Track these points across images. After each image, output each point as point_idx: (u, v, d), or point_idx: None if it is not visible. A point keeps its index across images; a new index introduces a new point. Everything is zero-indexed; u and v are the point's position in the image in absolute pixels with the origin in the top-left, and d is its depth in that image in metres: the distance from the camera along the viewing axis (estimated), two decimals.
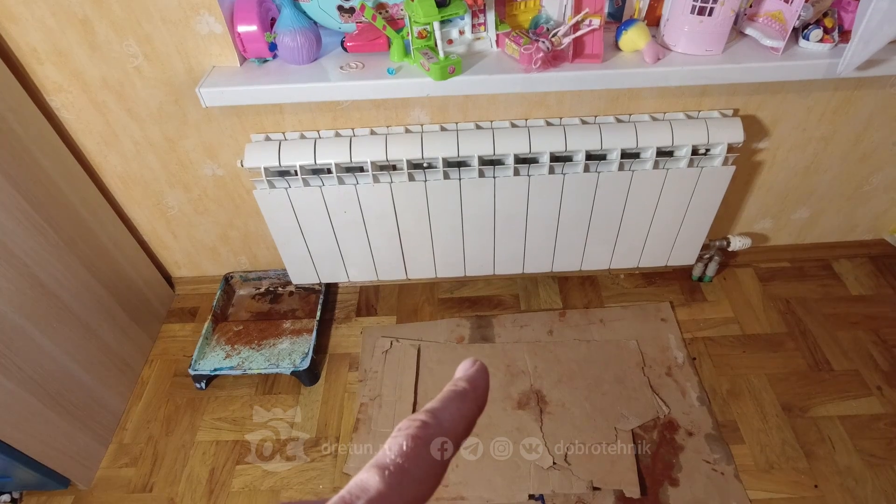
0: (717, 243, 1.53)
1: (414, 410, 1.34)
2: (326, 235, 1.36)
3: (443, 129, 1.24)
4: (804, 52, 1.08)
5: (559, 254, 1.45)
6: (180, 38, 1.09)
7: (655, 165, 1.25)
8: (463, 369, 0.24)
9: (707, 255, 1.56)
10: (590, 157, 1.23)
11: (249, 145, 1.22)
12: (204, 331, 1.47)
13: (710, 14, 1.01)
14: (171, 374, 1.49)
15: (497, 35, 1.11)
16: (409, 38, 1.07)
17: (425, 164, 1.25)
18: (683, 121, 1.21)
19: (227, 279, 1.61)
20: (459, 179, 1.25)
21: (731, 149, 1.23)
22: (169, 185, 1.39)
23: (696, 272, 1.61)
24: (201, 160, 1.33)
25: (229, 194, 1.42)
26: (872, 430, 1.28)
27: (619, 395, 1.35)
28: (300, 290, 1.63)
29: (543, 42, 1.03)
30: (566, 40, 1.05)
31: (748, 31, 1.09)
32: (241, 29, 1.08)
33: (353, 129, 1.25)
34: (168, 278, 1.67)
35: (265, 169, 1.21)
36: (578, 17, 1.03)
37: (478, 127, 1.24)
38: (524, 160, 1.24)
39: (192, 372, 1.40)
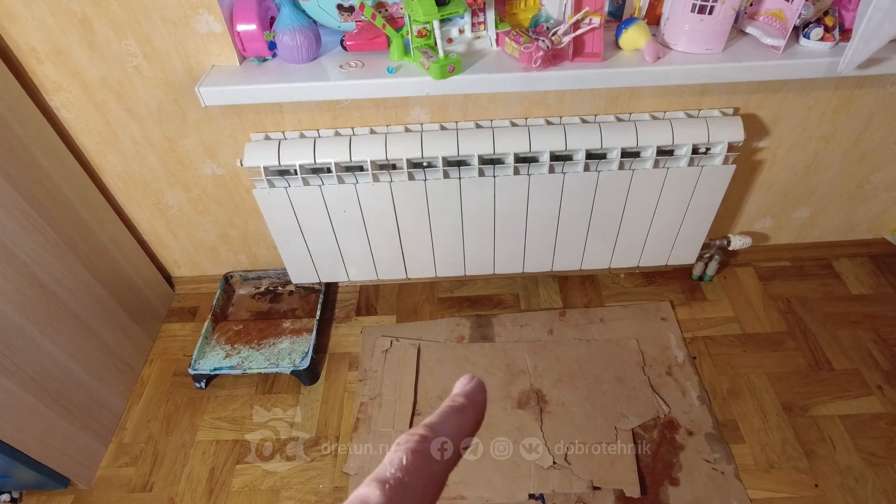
0: (718, 242, 1.53)
1: (414, 410, 1.34)
2: (326, 235, 1.36)
3: (442, 128, 1.24)
4: (805, 51, 1.08)
5: (559, 253, 1.45)
6: (180, 37, 1.09)
7: (656, 164, 1.25)
8: (461, 385, 0.24)
9: (707, 255, 1.56)
10: (590, 156, 1.23)
11: (249, 144, 1.22)
12: (204, 330, 1.47)
13: (710, 13, 1.01)
14: (170, 373, 1.49)
15: (497, 34, 1.11)
16: (409, 36, 1.07)
17: (425, 164, 1.25)
18: (684, 120, 1.21)
19: (226, 279, 1.61)
20: (459, 178, 1.25)
21: (731, 148, 1.22)
22: (169, 185, 1.39)
23: (697, 271, 1.61)
24: (201, 159, 1.33)
25: (229, 194, 1.42)
26: (873, 429, 1.27)
27: (620, 395, 1.35)
28: (300, 289, 1.63)
29: (543, 41, 1.03)
30: (566, 39, 1.05)
31: (749, 29, 1.09)
32: (241, 28, 1.08)
33: (352, 128, 1.25)
34: (168, 278, 1.67)
35: (265, 168, 1.21)
36: (578, 16, 1.03)
37: (478, 126, 1.24)
38: (524, 159, 1.24)
39: (191, 371, 1.40)
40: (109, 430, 1.36)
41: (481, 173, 1.24)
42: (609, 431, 1.28)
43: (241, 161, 1.22)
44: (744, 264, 1.66)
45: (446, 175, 1.25)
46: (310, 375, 1.42)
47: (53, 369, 1.18)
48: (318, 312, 1.51)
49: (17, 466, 1.12)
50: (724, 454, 1.24)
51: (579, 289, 1.63)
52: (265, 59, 1.13)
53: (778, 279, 1.62)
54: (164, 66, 1.14)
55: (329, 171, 1.23)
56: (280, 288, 1.64)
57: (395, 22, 1.09)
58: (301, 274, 1.48)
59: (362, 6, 1.03)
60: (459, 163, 1.24)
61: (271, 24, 1.11)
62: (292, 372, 1.40)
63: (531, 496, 1.19)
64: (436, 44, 1.04)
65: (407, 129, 1.24)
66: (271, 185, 1.25)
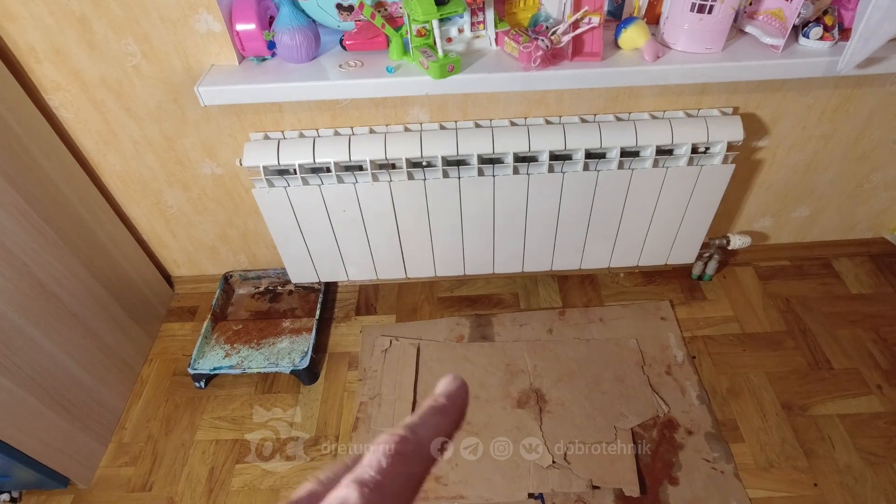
0: (717, 242, 1.53)
1: (413, 409, 1.34)
2: (325, 234, 1.36)
3: (442, 127, 1.24)
4: (804, 50, 1.08)
5: (559, 252, 1.45)
6: (179, 36, 1.09)
7: (655, 164, 1.25)
8: (444, 385, 0.24)
9: (707, 254, 1.56)
10: (589, 155, 1.23)
11: (248, 144, 1.22)
12: (203, 330, 1.47)
13: (709, 12, 1.01)
14: (170, 373, 1.49)
15: (496, 33, 1.11)
16: (408, 36, 1.07)
17: (424, 163, 1.25)
18: (683, 119, 1.21)
19: (226, 278, 1.61)
20: (459, 178, 1.25)
21: (730, 147, 1.22)
22: (168, 184, 1.39)
23: (696, 271, 1.61)
24: (200, 159, 1.33)
25: (228, 193, 1.42)
26: (872, 428, 1.27)
27: (619, 394, 1.35)
28: (299, 289, 1.63)
29: (543, 40, 1.03)
30: (565, 38, 1.05)
31: (748, 28, 1.09)
32: (240, 27, 1.08)
33: (352, 127, 1.25)
34: (167, 277, 1.67)
35: (264, 168, 1.21)
36: (578, 16, 1.03)
37: (477, 125, 1.24)
38: (523, 159, 1.24)
39: (191, 371, 1.40)
40: (109, 430, 1.36)
41: (481, 173, 1.24)
42: (608, 431, 1.28)
43: (240, 161, 1.22)
44: (743, 264, 1.66)
45: (446, 174, 1.25)
46: (309, 375, 1.42)
47: (53, 369, 1.18)
48: (318, 312, 1.51)
49: (16, 466, 1.12)
50: (723, 453, 1.25)
51: (579, 288, 1.63)
52: (264, 59, 1.13)
53: (777, 278, 1.62)
54: (163, 65, 1.14)
55: (328, 170, 1.23)
56: (279, 287, 1.64)
57: (394, 21, 1.09)
58: (300, 273, 1.48)
59: (361, 5, 1.03)
60: (459, 162, 1.24)
61: (270, 23, 1.10)
62: (292, 371, 1.40)
63: (531, 495, 1.19)
64: (435, 43, 1.04)
65: (406, 129, 1.24)
66: (270, 184, 1.25)
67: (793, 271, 1.64)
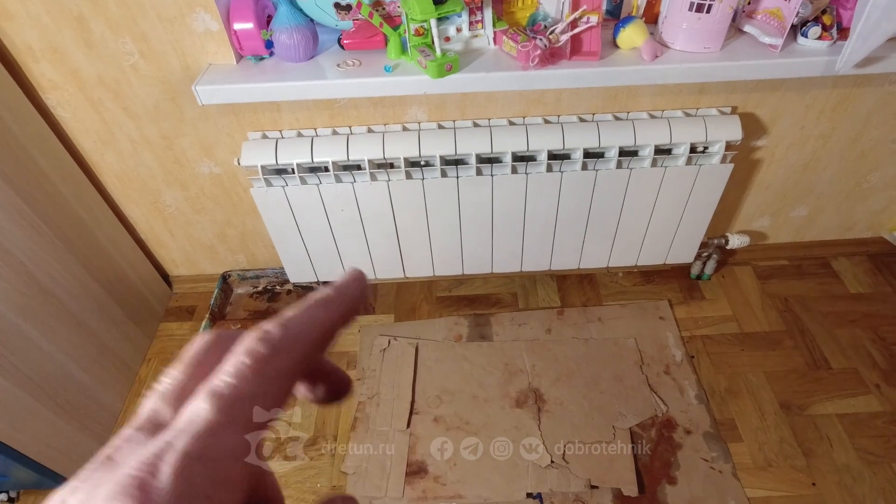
0: (716, 241, 1.53)
1: (412, 409, 1.34)
2: (324, 234, 1.36)
3: (440, 126, 1.24)
4: (802, 50, 1.08)
5: (557, 252, 1.45)
6: (176, 35, 1.09)
7: (653, 163, 1.25)
8: (338, 277, 0.21)
9: (705, 254, 1.56)
10: (588, 154, 1.23)
11: (246, 143, 1.22)
12: (202, 329, 1.47)
13: (708, 11, 1.01)
14: None
15: (494, 32, 1.11)
16: (406, 35, 1.07)
17: (423, 163, 1.25)
18: (681, 118, 1.21)
19: (224, 278, 1.60)
20: (457, 177, 1.25)
21: (729, 146, 1.22)
22: (166, 184, 1.39)
23: (695, 270, 1.61)
24: (198, 158, 1.33)
25: (226, 192, 1.42)
26: (870, 427, 1.27)
27: (618, 394, 1.34)
28: (298, 288, 1.63)
29: (541, 39, 1.02)
30: (564, 38, 1.05)
31: (746, 28, 1.09)
32: (238, 26, 1.07)
33: (350, 127, 1.25)
34: (165, 277, 1.66)
35: (262, 167, 1.21)
36: (576, 15, 1.03)
37: (475, 125, 1.24)
38: (522, 158, 1.24)
39: None
40: (107, 430, 1.36)
41: (479, 172, 1.24)
42: (607, 430, 1.28)
43: (238, 160, 1.21)
44: (742, 263, 1.66)
45: (444, 174, 1.24)
46: None
47: (51, 368, 1.17)
48: None
49: (14, 466, 1.12)
50: (721, 453, 1.24)
51: (577, 288, 1.63)
52: (262, 58, 1.13)
53: (776, 278, 1.62)
54: (160, 64, 1.13)
55: (327, 170, 1.23)
56: (278, 287, 1.64)
57: (392, 20, 1.09)
58: (299, 273, 1.48)
59: (359, 4, 1.03)
60: (457, 162, 1.24)
61: (268, 22, 1.10)
62: None
63: (529, 495, 1.19)
64: (433, 42, 1.04)
65: (404, 128, 1.24)
66: (269, 184, 1.25)
67: (791, 271, 1.63)
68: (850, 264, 1.64)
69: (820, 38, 1.06)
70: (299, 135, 1.24)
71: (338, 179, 1.25)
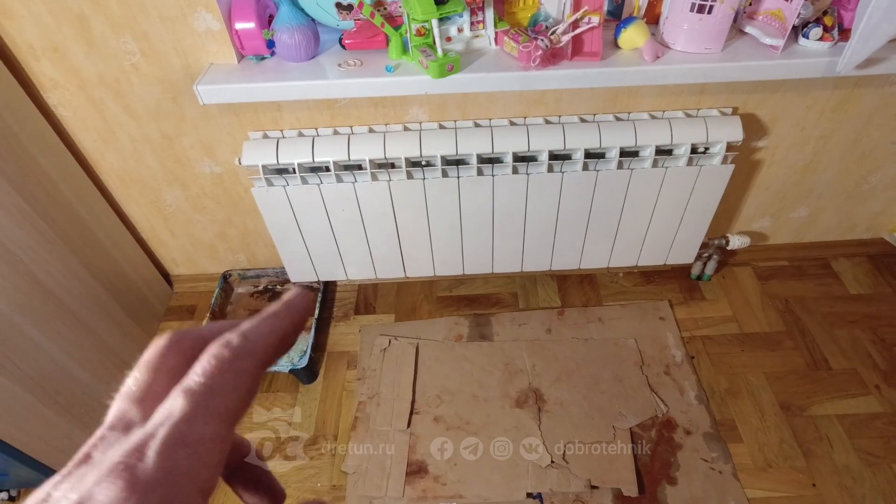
0: (716, 242, 1.53)
1: (412, 408, 1.34)
2: (325, 233, 1.36)
3: (441, 127, 1.24)
4: (804, 51, 1.08)
5: (558, 252, 1.45)
6: (177, 35, 1.09)
7: (654, 164, 1.25)
8: (285, 295, 0.25)
9: (706, 254, 1.56)
10: (588, 155, 1.23)
11: (247, 143, 1.22)
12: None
13: (709, 12, 1.01)
14: None
15: (496, 33, 1.11)
16: (408, 35, 1.07)
17: (424, 163, 1.25)
18: (682, 119, 1.21)
19: (225, 277, 1.60)
20: (458, 178, 1.25)
21: (730, 147, 1.22)
22: (167, 183, 1.39)
23: (695, 271, 1.61)
24: (199, 158, 1.33)
25: (227, 192, 1.42)
26: (870, 428, 1.28)
27: (618, 394, 1.35)
28: (298, 287, 1.63)
29: (542, 40, 1.02)
30: (565, 38, 1.05)
31: (748, 29, 1.09)
32: (239, 26, 1.07)
33: (351, 126, 1.25)
34: (166, 276, 1.67)
35: (263, 167, 1.21)
36: (577, 15, 1.03)
37: (476, 125, 1.24)
38: (523, 158, 1.24)
39: None
40: None
41: (480, 172, 1.24)
42: (607, 431, 1.28)
43: (239, 159, 1.21)
44: (742, 264, 1.66)
45: (445, 174, 1.25)
46: (308, 374, 1.42)
47: (51, 367, 1.17)
48: (317, 311, 1.51)
49: (14, 464, 1.12)
50: (721, 453, 1.25)
51: (578, 288, 1.63)
52: (263, 58, 1.13)
53: (776, 279, 1.62)
54: (161, 64, 1.13)
55: (327, 169, 1.23)
56: (279, 286, 1.64)
57: (393, 20, 1.09)
58: (299, 272, 1.48)
59: (361, 4, 1.03)
60: (458, 162, 1.24)
61: (270, 22, 1.10)
62: (291, 370, 1.40)
63: (529, 495, 1.19)
64: (434, 42, 1.04)
65: (405, 128, 1.24)
66: (269, 183, 1.25)
67: (791, 271, 1.64)
68: (850, 265, 1.64)
69: (821, 39, 1.06)
70: (300, 134, 1.24)
71: (339, 179, 1.25)
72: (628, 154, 1.24)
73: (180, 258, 1.62)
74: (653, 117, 1.23)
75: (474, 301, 1.61)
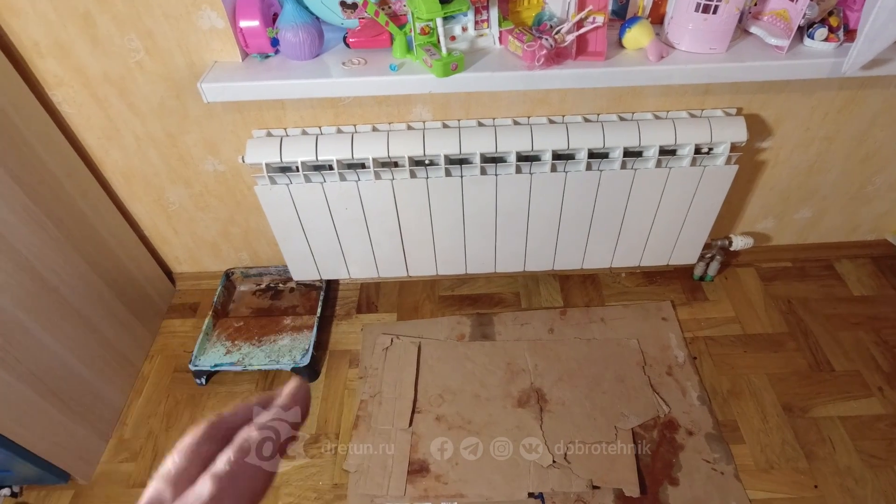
0: (719, 242, 1.52)
1: (414, 407, 1.34)
2: (327, 232, 1.36)
3: (445, 125, 1.24)
4: (809, 51, 1.08)
5: (560, 252, 1.44)
6: (182, 32, 1.09)
7: (658, 164, 1.25)
8: (287, 387, 0.31)
9: (709, 255, 1.56)
10: (592, 155, 1.23)
11: (251, 141, 1.22)
12: (204, 326, 1.47)
13: (714, 12, 1.01)
14: (171, 369, 1.49)
15: (500, 32, 1.11)
16: (412, 34, 1.07)
17: (427, 161, 1.25)
18: (686, 119, 1.21)
19: (227, 275, 1.61)
20: (461, 177, 1.25)
21: (734, 148, 1.22)
22: (170, 181, 1.39)
23: (698, 271, 1.61)
24: (202, 156, 1.33)
25: (230, 190, 1.42)
26: (873, 430, 1.27)
27: (620, 394, 1.34)
28: (301, 286, 1.63)
29: (547, 39, 1.02)
30: (569, 38, 1.04)
31: (753, 29, 1.09)
32: (243, 24, 1.07)
33: (354, 125, 1.25)
34: (169, 274, 1.67)
35: (266, 165, 1.21)
36: (582, 15, 1.03)
37: (480, 124, 1.24)
38: (526, 158, 1.24)
39: (192, 368, 1.40)
40: (110, 426, 1.36)
41: (483, 171, 1.24)
42: (609, 431, 1.28)
43: (242, 157, 1.21)
44: (745, 265, 1.66)
45: (448, 173, 1.24)
46: (310, 372, 1.42)
47: (53, 364, 1.18)
48: (319, 309, 1.51)
49: (17, 461, 1.12)
50: (723, 454, 1.24)
51: (580, 288, 1.63)
52: (267, 56, 1.13)
53: (779, 280, 1.61)
54: (166, 61, 1.13)
55: (331, 168, 1.23)
56: (281, 285, 1.64)
57: (398, 19, 1.09)
58: (302, 271, 1.48)
59: (365, 3, 1.03)
60: (461, 161, 1.24)
61: (274, 20, 1.10)
62: (293, 369, 1.40)
63: (531, 495, 1.19)
64: (439, 41, 1.04)
65: (409, 127, 1.24)
66: (273, 181, 1.25)
67: (795, 273, 1.63)
68: (853, 267, 1.64)
69: (826, 39, 1.06)
70: (304, 133, 1.24)
71: (342, 178, 1.25)
72: (632, 154, 1.24)
73: (183, 256, 1.62)
74: (657, 117, 1.23)
75: (477, 300, 1.61)
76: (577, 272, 1.66)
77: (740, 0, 0.99)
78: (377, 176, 1.24)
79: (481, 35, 1.12)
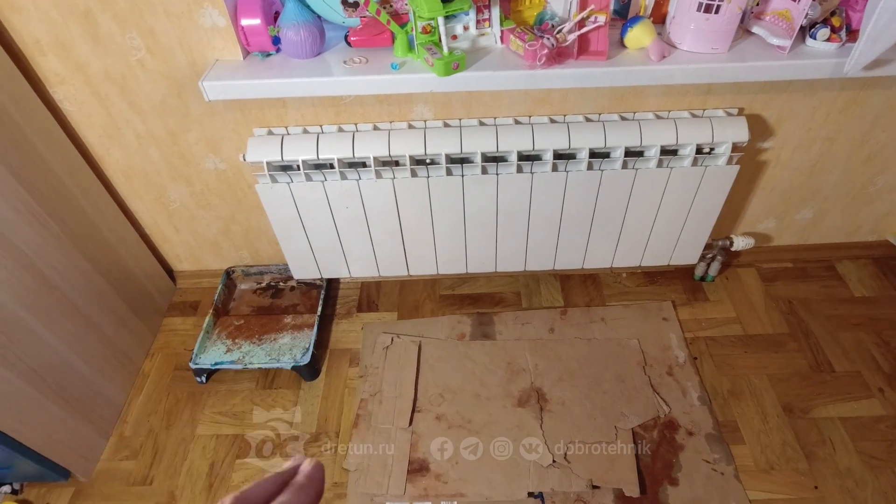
0: (720, 243, 1.52)
1: (414, 406, 1.34)
2: (328, 230, 1.36)
3: (446, 125, 1.24)
4: (811, 51, 1.07)
5: (561, 251, 1.44)
6: (183, 31, 1.09)
7: (659, 164, 1.24)
8: (296, 461, 0.31)
9: (710, 255, 1.55)
10: (593, 154, 1.23)
11: (252, 139, 1.22)
12: (205, 325, 1.47)
13: (716, 12, 1.00)
14: (171, 367, 1.49)
15: (501, 31, 1.11)
16: (413, 33, 1.07)
17: (428, 160, 1.25)
18: (688, 119, 1.21)
19: (228, 273, 1.61)
20: (462, 176, 1.25)
21: (735, 148, 1.22)
22: (171, 179, 1.39)
23: (699, 272, 1.61)
24: (203, 154, 1.33)
25: (231, 188, 1.42)
26: (873, 431, 1.27)
27: (620, 394, 1.34)
28: (301, 285, 1.63)
29: (548, 38, 1.02)
30: (571, 37, 1.04)
31: (755, 29, 1.09)
32: (245, 22, 1.07)
33: (355, 124, 1.25)
34: (169, 272, 1.67)
35: (267, 163, 1.21)
36: (584, 14, 1.03)
37: (481, 123, 1.24)
38: (527, 157, 1.24)
39: (192, 366, 1.40)
40: (110, 423, 1.36)
41: (484, 171, 1.24)
42: (609, 431, 1.28)
43: (243, 156, 1.22)
44: (746, 265, 1.66)
45: (449, 172, 1.24)
46: (310, 371, 1.42)
47: (54, 361, 1.18)
48: (320, 308, 1.51)
49: (17, 458, 1.13)
50: (723, 455, 1.24)
51: (581, 288, 1.63)
52: (269, 54, 1.13)
53: (780, 280, 1.61)
54: (167, 59, 1.13)
55: (332, 167, 1.23)
56: (281, 283, 1.64)
57: (399, 18, 1.09)
58: (303, 269, 1.48)
59: (367, 1, 1.03)
60: (462, 160, 1.24)
61: (275, 18, 1.10)
62: (293, 367, 1.40)
63: (530, 494, 1.19)
64: (440, 40, 1.04)
65: (410, 126, 1.24)
66: (274, 180, 1.25)
67: (796, 273, 1.63)
68: (854, 267, 1.63)
69: (829, 39, 1.06)
70: (305, 131, 1.24)
71: (343, 177, 1.25)
72: (633, 154, 1.24)
73: (184, 254, 1.62)
74: (658, 117, 1.23)
75: (477, 300, 1.61)
76: (578, 272, 1.66)
77: (742, 0, 0.99)
78: (378, 175, 1.24)
79: (483, 34, 1.12)
